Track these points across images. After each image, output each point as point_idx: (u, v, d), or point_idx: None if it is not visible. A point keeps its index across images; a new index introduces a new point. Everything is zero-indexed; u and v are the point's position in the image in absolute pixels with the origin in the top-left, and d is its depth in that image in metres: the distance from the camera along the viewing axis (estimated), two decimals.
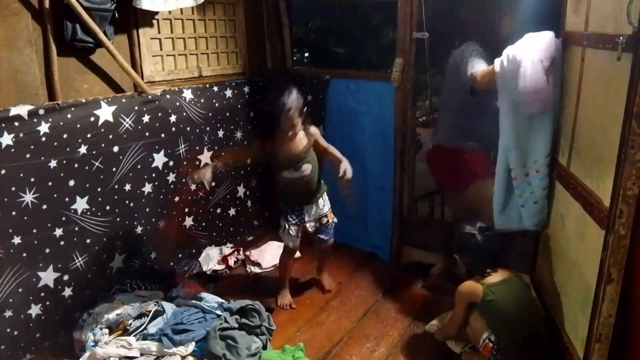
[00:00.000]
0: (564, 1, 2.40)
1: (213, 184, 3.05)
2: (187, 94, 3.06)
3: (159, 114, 2.90)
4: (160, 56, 3.00)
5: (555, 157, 2.40)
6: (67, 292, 2.58)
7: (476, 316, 2.24)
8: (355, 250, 3.53)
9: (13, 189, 2.29)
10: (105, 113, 2.61)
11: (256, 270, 3.28)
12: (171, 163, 3.03)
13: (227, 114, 3.35)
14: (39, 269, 2.44)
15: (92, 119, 2.56)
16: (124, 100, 2.71)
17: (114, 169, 2.70)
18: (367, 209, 3.47)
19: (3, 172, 2.24)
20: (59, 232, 2.49)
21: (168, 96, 2.95)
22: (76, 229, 2.57)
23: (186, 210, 3.19)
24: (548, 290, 2.48)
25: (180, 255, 3.22)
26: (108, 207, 2.71)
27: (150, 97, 2.83)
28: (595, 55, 1.96)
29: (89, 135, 2.55)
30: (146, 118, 2.82)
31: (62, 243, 2.51)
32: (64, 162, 2.47)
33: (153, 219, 2.99)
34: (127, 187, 2.79)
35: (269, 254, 3.38)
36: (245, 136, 3.51)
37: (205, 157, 3.24)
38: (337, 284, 3.13)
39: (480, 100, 2.59)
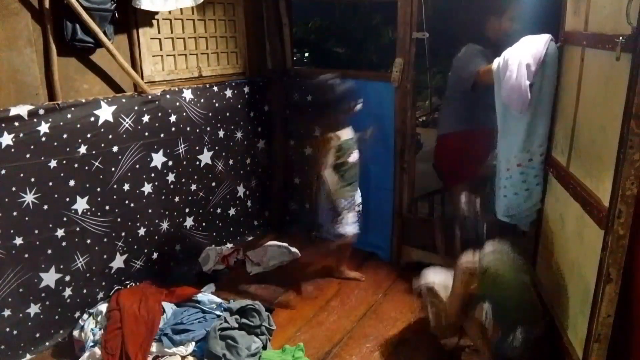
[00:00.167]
0: (564, 1, 2.40)
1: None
2: (187, 94, 3.07)
3: (159, 114, 2.90)
4: (160, 56, 3.00)
5: (553, 156, 2.41)
6: (67, 292, 2.58)
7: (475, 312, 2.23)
8: (355, 250, 3.52)
9: (13, 189, 2.30)
10: (105, 113, 2.61)
11: (256, 270, 3.28)
12: (170, 163, 3.03)
13: (227, 114, 3.35)
14: (41, 270, 2.45)
15: (92, 119, 2.56)
16: (123, 100, 2.71)
17: (113, 169, 2.71)
18: (367, 209, 3.47)
19: (3, 172, 2.25)
20: (60, 232, 2.50)
21: (168, 96, 2.96)
22: (77, 229, 2.57)
23: (186, 210, 3.20)
24: (547, 290, 2.49)
25: (180, 256, 3.22)
26: (108, 207, 2.71)
27: (150, 97, 2.83)
28: (594, 55, 1.97)
29: (88, 135, 2.55)
30: (146, 118, 2.83)
31: (63, 244, 2.52)
32: (64, 162, 2.47)
33: (155, 220, 3.00)
34: (126, 187, 2.79)
35: (269, 254, 3.38)
36: (246, 136, 3.52)
37: (206, 157, 3.25)
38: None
39: (479, 94, 2.79)
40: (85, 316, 2.58)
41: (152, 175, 2.94)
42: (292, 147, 3.72)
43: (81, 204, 2.58)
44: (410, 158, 3.25)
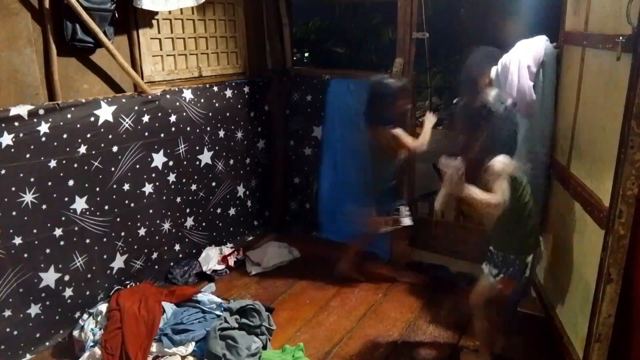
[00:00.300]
0: (564, 1, 2.41)
1: None
2: (187, 94, 3.06)
3: (159, 114, 2.90)
4: (160, 56, 3.00)
5: (554, 156, 2.41)
6: (68, 292, 2.58)
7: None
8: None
9: (13, 189, 2.29)
10: (105, 113, 2.61)
11: (256, 270, 3.28)
12: (171, 163, 3.03)
13: (227, 114, 3.35)
14: (40, 270, 2.44)
15: (92, 119, 2.56)
16: (123, 100, 2.71)
17: (112, 169, 2.71)
18: None
19: (3, 172, 2.25)
20: (58, 232, 2.49)
21: (168, 96, 2.95)
22: (76, 228, 2.57)
23: (187, 210, 3.20)
24: (548, 290, 2.49)
25: (180, 256, 3.22)
26: (107, 207, 2.71)
27: (150, 97, 2.83)
28: (595, 55, 1.97)
29: (88, 135, 2.55)
30: (146, 118, 2.82)
31: (62, 243, 2.52)
32: (64, 162, 2.47)
33: (156, 220, 2.99)
34: (126, 187, 2.79)
35: (269, 254, 3.38)
36: (246, 136, 3.51)
37: (206, 157, 3.25)
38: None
39: None
40: (85, 316, 2.58)
41: (153, 175, 2.94)
42: (292, 147, 3.72)
43: (80, 204, 2.57)
44: (410, 158, 3.25)
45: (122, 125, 2.71)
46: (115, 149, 2.70)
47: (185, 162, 3.12)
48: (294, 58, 3.84)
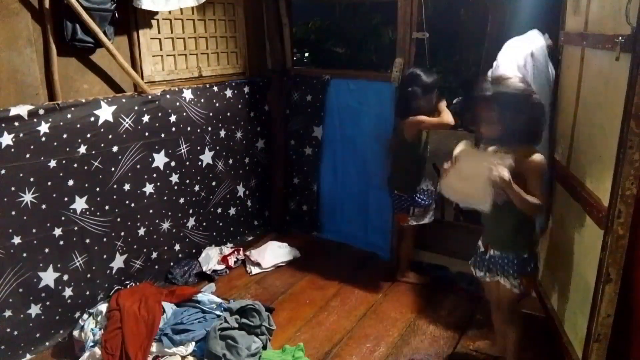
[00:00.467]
0: (564, 1, 2.41)
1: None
2: (187, 94, 3.07)
3: (159, 114, 2.90)
4: (160, 56, 3.00)
5: (553, 156, 2.41)
6: (67, 292, 2.58)
7: None
8: (355, 250, 3.53)
9: (13, 188, 2.29)
10: (105, 113, 2.61)
11: (256, 270, 3.28)
12: (173, 163, 3.03)
13: (228, 114, 3.35)
14: (39, 269, 2.45)
15: (92, 119, 2.56)
16: (123, 100, 2.71)
17: (112, 169, 2.71)
18: (367, 209, 3.47)
19: (3, 172, 2.25)
20: (58, 231, 2.50)
21: (168, 96, 2.96)
22: (75, 228, 2.57)
23: (190, 211, 3.20)
24: (547, 290, 2.49)
25: (180, 256, 3.22)
26: (107, 207, 2.71)
27: (150, 97, 2.83)
28: (594, 55, 1.97)
29: (88, 135, 2.55)
30: (146, 118, 2.83)
31: (61, 243, 2.52)
32: (64, 162, 2.47)
33: (156, 220, 3.00)
34: (127, 187, 2.79)
35: (269, 254, 3.38)
36: (245, 136, 3.52)
37: (207, 157, 3.25)
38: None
39: None
40: (85, 316, 2.58)
41: (154, 175, 2.94)
42: (292, 147, 3.73)
43: (80, 204, 2.57)
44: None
45: (122, 125, 2.71)
46: (115, 149, 2.70)
47: (187, 163, 3.12)
48: (294, 58, 3.84)
